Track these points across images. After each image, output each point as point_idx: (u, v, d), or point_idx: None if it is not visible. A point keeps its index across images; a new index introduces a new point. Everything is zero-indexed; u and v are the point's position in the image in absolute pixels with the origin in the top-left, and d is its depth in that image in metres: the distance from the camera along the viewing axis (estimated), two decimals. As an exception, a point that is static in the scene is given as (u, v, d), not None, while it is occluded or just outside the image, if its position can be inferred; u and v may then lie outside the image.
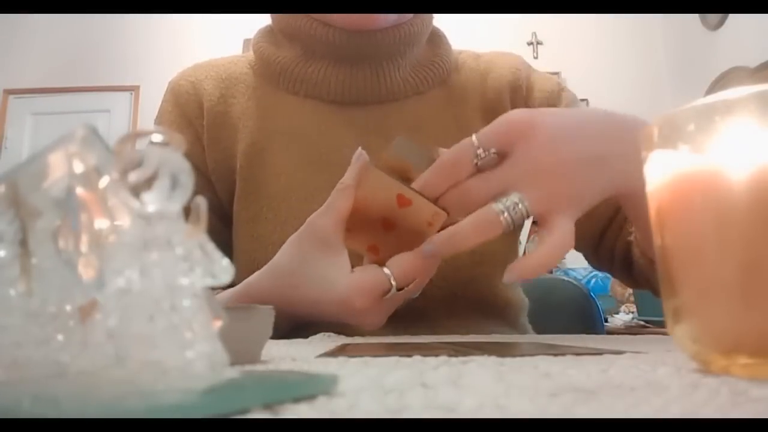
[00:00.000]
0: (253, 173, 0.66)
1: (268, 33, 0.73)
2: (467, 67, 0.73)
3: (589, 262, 0.72)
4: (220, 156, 0.68)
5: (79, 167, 0.17)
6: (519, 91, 0.71)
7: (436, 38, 0.74)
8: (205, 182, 0.68)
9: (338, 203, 0.48)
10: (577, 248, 0.60)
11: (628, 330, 2.29)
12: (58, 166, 0.17)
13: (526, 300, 0.73)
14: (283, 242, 0.51)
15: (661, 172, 0.25)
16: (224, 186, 0.68)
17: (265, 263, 0.52)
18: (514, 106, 0.70)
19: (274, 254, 0.51)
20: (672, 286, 0.24)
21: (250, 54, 0.73)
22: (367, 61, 0.67)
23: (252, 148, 0.66)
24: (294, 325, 0.53)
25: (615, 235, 0.67)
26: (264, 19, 0.76)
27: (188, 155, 0.72)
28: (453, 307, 0.63)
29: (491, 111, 0.70)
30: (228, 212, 0.68)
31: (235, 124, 0.68)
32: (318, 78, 0.67)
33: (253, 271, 0.53)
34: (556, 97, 0.70)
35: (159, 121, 0.71)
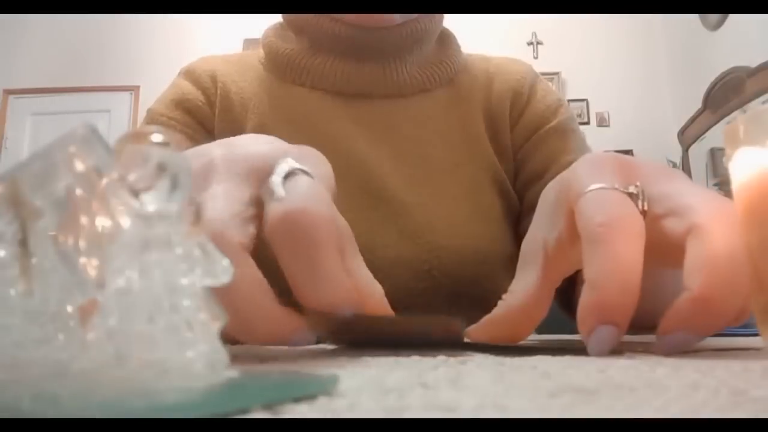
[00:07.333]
0: None
1: (277, 28, 0.74)
2: (476, 68, 0.74)
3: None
4: (228, 127, 0.68)
5: (79, 167, 0.17)
6: (520, 98, 0.72)
7: (446, 39, 0.75)
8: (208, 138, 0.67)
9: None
10: None
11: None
12: (58, 166, 0.17)
13: None
14: None
15: (747, 170, 0.24)
16: None
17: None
18: (512, 112, 0.71)
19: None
20: (761, 284, 0.24)
21: (260, 51, 0.74)
22: (374, 56, 0.68)
23: (261, 129, 0.67)
24: None
25: None
26: (265, 20, 0.76)
27: (196, 111, 0.68)
28: (456, 305, 0.63)
29: (492, 116, 0.71)
30: None
31: (246, 104, 0.69)
32: (323, 70, 0.68)
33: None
34: (552, 111, 0.71)
35: (169, 89, 0.70)
